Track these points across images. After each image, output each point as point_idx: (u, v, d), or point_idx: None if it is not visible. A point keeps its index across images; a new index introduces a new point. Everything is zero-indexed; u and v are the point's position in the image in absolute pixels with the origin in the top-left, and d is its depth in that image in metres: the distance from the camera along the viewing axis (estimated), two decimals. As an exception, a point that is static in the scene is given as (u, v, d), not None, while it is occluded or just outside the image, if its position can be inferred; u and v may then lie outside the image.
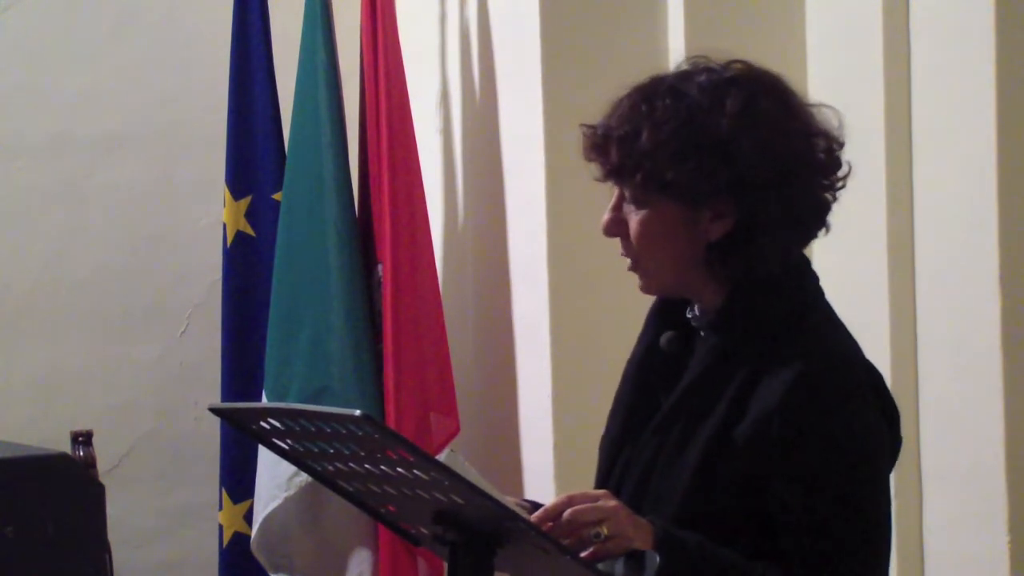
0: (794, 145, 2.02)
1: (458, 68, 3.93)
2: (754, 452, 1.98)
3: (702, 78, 2.04)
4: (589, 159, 2.09)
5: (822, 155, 2.04)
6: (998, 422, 2.94)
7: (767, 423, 1.97)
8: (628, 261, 2.10)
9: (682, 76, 2.06)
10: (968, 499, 3.03)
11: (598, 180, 2.11)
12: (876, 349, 3.02)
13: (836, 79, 3.33)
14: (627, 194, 2.06)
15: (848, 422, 1.99)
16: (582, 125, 2.09)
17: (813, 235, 2.08)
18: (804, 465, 1.97)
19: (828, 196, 2.06)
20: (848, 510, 1.98)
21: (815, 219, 2.07)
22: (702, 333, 2.10)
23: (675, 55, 3.33)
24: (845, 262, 3.27)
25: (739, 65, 2.06)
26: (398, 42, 3.77)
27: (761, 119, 2.01)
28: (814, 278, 2.11)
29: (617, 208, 2.07)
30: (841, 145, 2.06)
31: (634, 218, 2.05)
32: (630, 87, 2.07)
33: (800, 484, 1.97)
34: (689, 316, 2.13)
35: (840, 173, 2.06)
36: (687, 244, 2.04)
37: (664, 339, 2.14)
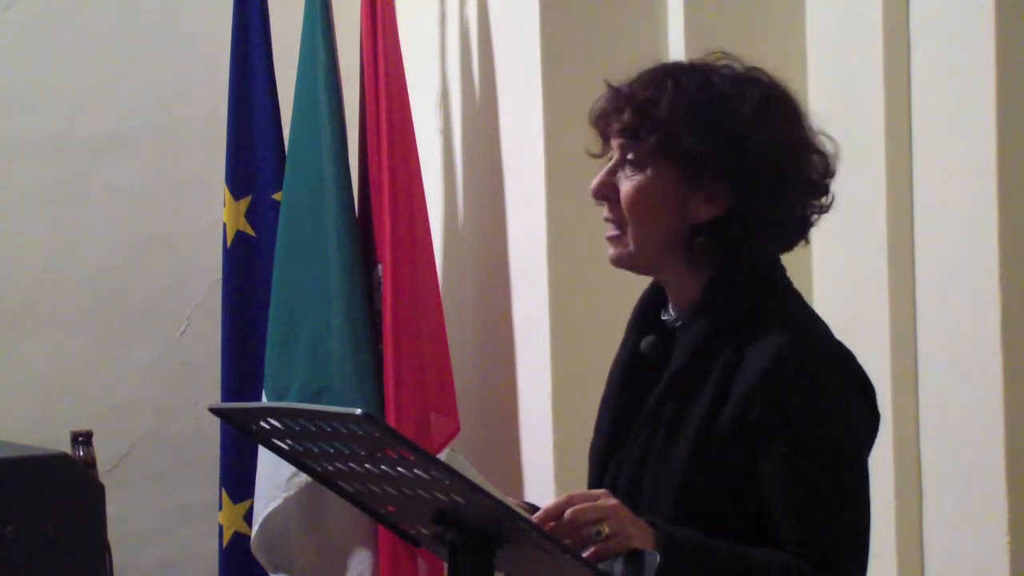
0: (799, 153, 2.08)
1: (458, 68, 3.93)
2: (739, 435, 2.00)
3: (726, 70, 2.10)
4: (598, 122, 2.12)
5: (816, 175, 2.09)
6: (998, 422, 2.94)
7: (748, 404, 2.00)
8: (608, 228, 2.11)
9: (706, 63, 2.12)
10: (968, 499, 3.03)
11: (594, 155, 2.14)
12: (876, 349, 3.03)
13: (836, 79, 3.33)
14: (630, 156, 2.08)
15: (825, 397, 2.01)
16: (606, 82, 2.12)
17: (793, 245, 2.13)
18: (786, 442, 1.99)
19: (814, 215, 2.11)
20: (832, 484, 1.99)
21: (799, 230, 2.11)
22: (679, 333, 2.12)
23: (675, 55, 3.33)
24: (845, 262, 3.27)
25: (757, 70, 2.12)
26: (398, 42, 3.78)
27: (776, 119, 2.07)
28: (782, 269, 2.14)
29: (612, 173, 2.10)
30: (833, 174, 2.11)
31: (629, 182, 2.07)
32: (656, 62, 2.13)
33: (784, 461, 1.99)
34: (665, 318, 2.15)
35: (826, 200, 2.11)
36: (675, 219, 2.06)
37: (645, 343, 2.16)
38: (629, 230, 2.08)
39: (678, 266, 2.09)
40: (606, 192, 2.09)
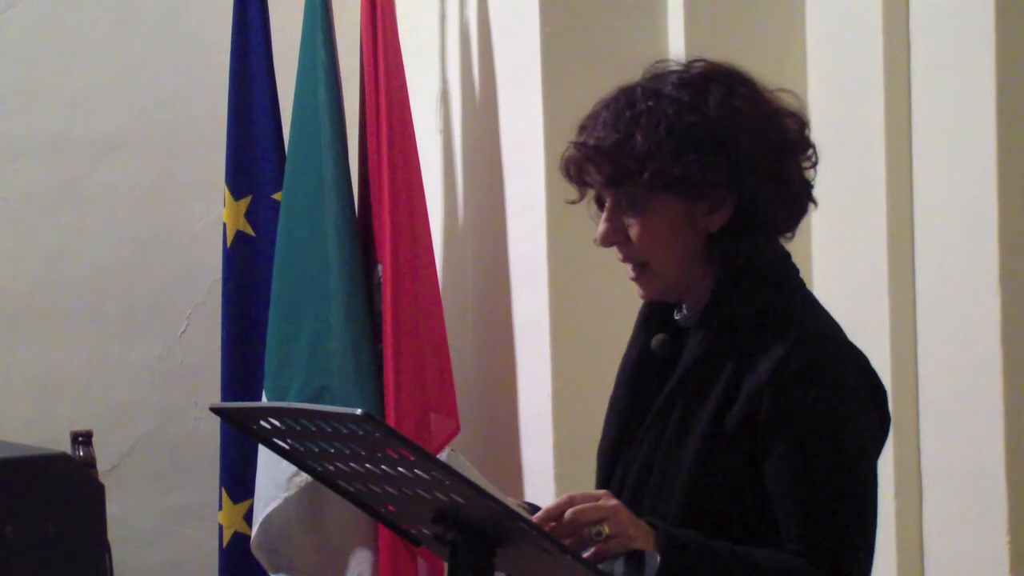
0: (776, 128, 2.08)
1: (458, 68, 3.93)
2: (746, 435, 2.00)
3: (673, 78, 2.08)
4: (575, 176, 2.11)
5: (795, 135, 2.10)
6: (998, 422, 2.94)
7: (756, 404, 2.00)
8: (627, 268, 2.11)
9: (653, 79, 2.10)
10: (968, 499, 3.03)
11: (572, 202, 2.15)
12: (876, 349, 3.02)
13: (836, 79, 3.33)
14: (624, 201, 2.07)
15: (829, 397, 2.01)
16: (571, 142, 2.10)
17: (805, 211, 2.13)
18: (789, 441, 1.99)
19: (810, 172, 2.12)
20: (833, 484, 1.99)
21: (805, 194, 2.11)
22: (691, 331, 2.11)
23: (675, 55, 3.33)
24: (845, 262, 3.27)
25: (701, 63, 2.11)
26: (398, 42, 3.78)
27: (744, 108, 2.06)
28: (794, 268, 2.14)
29: (611, 218, 2.09)
30: (807, 124, 2.12)
31: (635, 222, 2.07)
32: (601, 102, 2.10)
33: (785, 460, 1.99)
34: (678, 317, 2.15)
35: (810, 151, 2.12)
36: (690, 239, 2.07)
37: (655, 342, 2.16)
38: (651, 265, 2.09)
39: (702, 276, 2.10)
40: (615, 239, 2.09)
